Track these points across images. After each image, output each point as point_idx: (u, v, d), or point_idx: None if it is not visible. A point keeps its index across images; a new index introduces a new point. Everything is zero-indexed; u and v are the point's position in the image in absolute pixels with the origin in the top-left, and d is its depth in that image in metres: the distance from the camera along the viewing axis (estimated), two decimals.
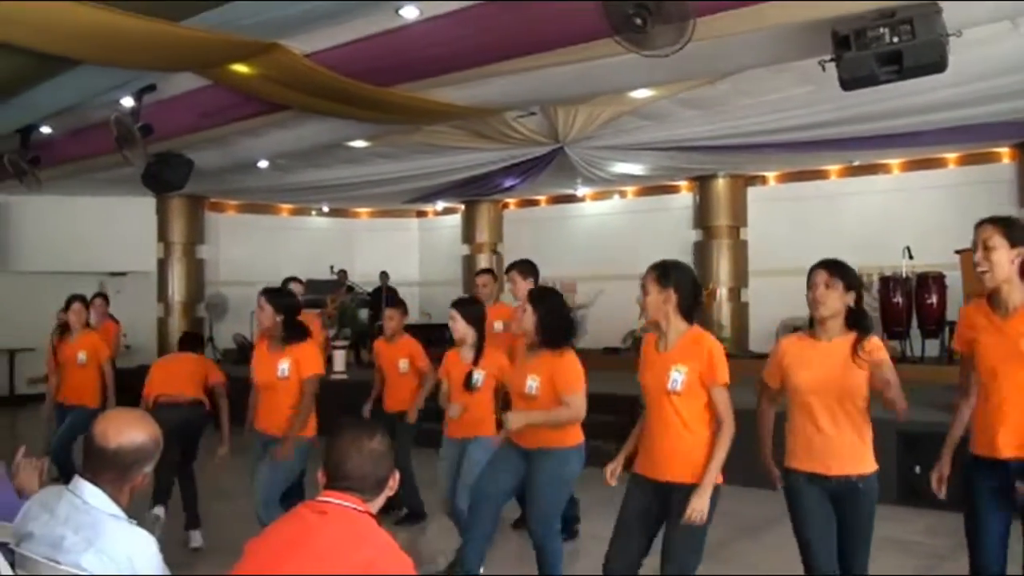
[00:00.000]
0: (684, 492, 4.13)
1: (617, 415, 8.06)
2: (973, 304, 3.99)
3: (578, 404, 4.96)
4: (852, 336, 4.04)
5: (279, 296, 6.20)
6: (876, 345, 4.00)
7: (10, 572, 2.74)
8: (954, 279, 9.79)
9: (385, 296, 16.13)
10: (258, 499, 5.71)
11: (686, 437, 4.20)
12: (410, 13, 6.99)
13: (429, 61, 7.68)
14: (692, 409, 4.21)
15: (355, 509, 2.58)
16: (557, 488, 5.14)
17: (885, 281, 11.84)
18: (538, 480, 5.09)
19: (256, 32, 7.11)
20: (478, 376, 5.92)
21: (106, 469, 2.71)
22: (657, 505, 4.26)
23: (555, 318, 5.07)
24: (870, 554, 4.16)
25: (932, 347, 11.68)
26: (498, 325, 7.10)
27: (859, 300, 4.10)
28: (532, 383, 5.00)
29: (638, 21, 6.03)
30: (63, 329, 8.28)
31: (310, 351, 6.10)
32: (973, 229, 3.83)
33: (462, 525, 5.83)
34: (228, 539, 5.56)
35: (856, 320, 4.07)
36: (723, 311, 14.41)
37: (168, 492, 6.90)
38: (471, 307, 6.14)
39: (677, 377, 4.19)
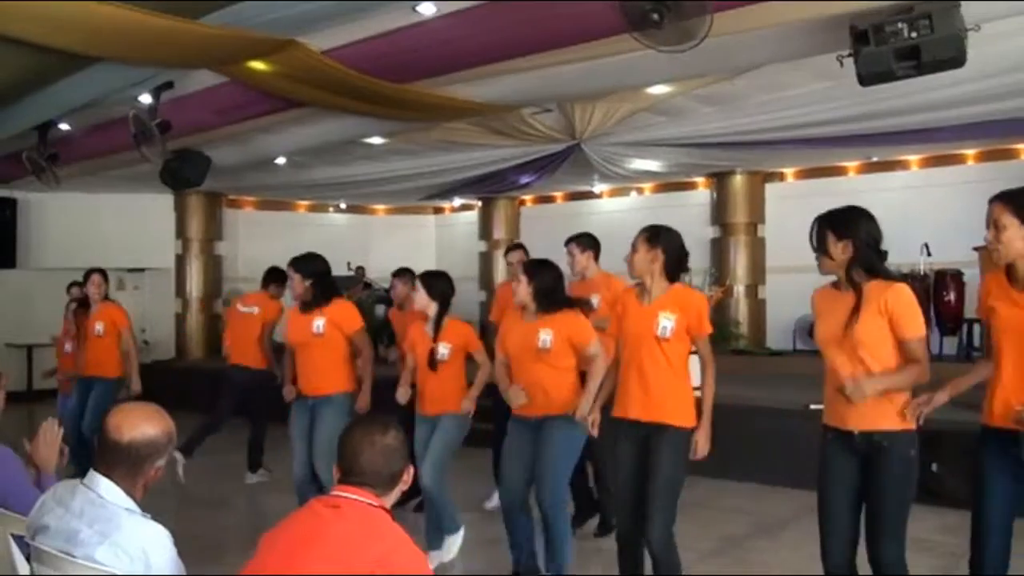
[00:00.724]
0: (672, 432, 4.44)
1: None
2: (993, 273, 4.04)
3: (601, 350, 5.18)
4: None
5: (305, 263, 6.36)
6: None
7: (26, 565, 2.76)
8: (972, 276, 9.73)
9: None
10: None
11: (673, 380, 4.54)
12: (427, 10, 6.98)
13: (446, 58, 7.68)
14: (677, 354, 4.58)
15: (369, 504, 2.58)
16: (569, 456, 5.28)
17: (903, 278, 11.74)
18: (548, 450, 5.19)
19: (273, 29, 7.12)
20: (444, 351, 5.98)
21: (119, 463, 2.72)
22: (644, 450, 4.50)
23: (550, 288, 5.26)
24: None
25: (950, 345, 11.61)
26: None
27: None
28: (545, 337, 5.15)
29: (655, 17, 6.01)
30: (82, 304, 8.68)
31: (345, 308, 6.33)
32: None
33: (428, 503, 6.03)
34: None
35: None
36: (740, 308, 14.35)
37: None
38: (438, 280, 6.19)
39: (666, 324, 4.53)
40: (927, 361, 4.03)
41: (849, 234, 4.08)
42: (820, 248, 4.17)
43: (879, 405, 3.95)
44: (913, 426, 3.99)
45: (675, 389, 4.58)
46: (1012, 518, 3.93)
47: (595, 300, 6.39)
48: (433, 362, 5.95)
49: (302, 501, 6.20)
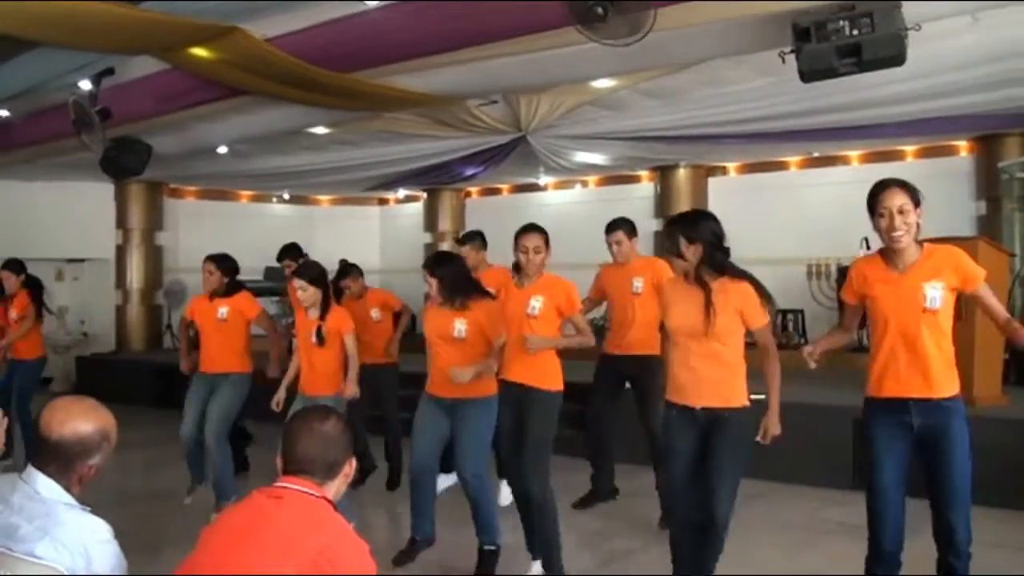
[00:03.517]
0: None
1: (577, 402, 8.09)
2: (865, 261, 4.41)
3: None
4: None
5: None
6: None
7: None
8: None
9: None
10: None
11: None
12: None
13: (389, 48, 7.65)
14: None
15: (311, 494, 2.57)
16: (487, 434, 5.48)
17: (843, 271, 11.93)
18: (468, 430, 5.44)
19: (216, 15, 7.06)
20: (325, 329, 6.33)
21: (50, 460, 2.69)
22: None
23: (456, 279, 5.50)
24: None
25: None
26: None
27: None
28: (460, 327, 5.42)
29: (599, 11, 6.05)
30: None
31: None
32: (879, 194, 4.31)
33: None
34: None
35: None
36: None
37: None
38: (313, 270, 6.51)
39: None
40: (773, 344, 4.58)
41: (698, 237, 4.45)
42: (673, 251, 4.54)
43: (723, 385, 4.48)
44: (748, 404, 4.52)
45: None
46: (906, 489, 4.22)
47: (639, 283, 6.83)
48: (320, 337, 6.34)
49: (188, 457, 7.16)
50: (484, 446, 5.49)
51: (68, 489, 2.67)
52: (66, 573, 2.51)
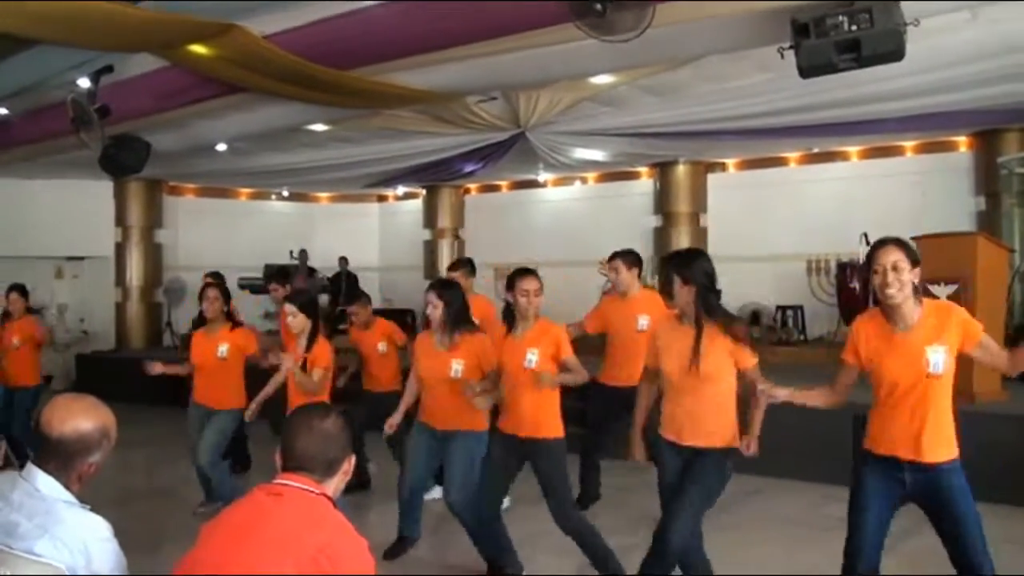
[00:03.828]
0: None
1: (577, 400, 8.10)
2: (867, 317, 4.29)
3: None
4: None
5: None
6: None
7: None
8: None
9: (345, 282, 16.11)
10: None
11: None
12: None
13: (388, 44, 7.64)
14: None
15: (310, 491, 2.57)
16: (475, 464, 5.56)
17: (842, 267, 11.96)
18: (458, 460, 5.57)
19: (215, 13, 7.05)
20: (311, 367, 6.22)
21: (50, 457, 2.68)
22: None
23: (461, 309, 5.63)
24: None
25: None
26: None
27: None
28: (457, 367, 5.54)
29: (598, 7, 6.04)
30: (5, 316, 8.91)
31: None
32: (875, 251, 4.10)
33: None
34: None
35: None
36: None
37: None
38: (304, 297, 6.53)
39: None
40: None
41: (692, 278, 4.47)
42: (667, 290, 4.58)
43: (711, 425, 4.57)
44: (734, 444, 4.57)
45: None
46: (885, 535, 4.29)
47: (644, 321, 6.65)
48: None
49: (200, 479, 7.08)
50: (471, 476, 5.53)
51: (68, 487, 2.67)
52: (65, 571, 2.51)
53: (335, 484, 2.69)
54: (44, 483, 2.65)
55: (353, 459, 2.76)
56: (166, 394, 11.95)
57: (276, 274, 8.63)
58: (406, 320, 14.76)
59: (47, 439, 2.69)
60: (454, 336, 5.55)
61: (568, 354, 5.29)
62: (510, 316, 5.40)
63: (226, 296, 7.28)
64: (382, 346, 7.94)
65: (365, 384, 8.04)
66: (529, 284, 5.30)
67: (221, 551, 2.45)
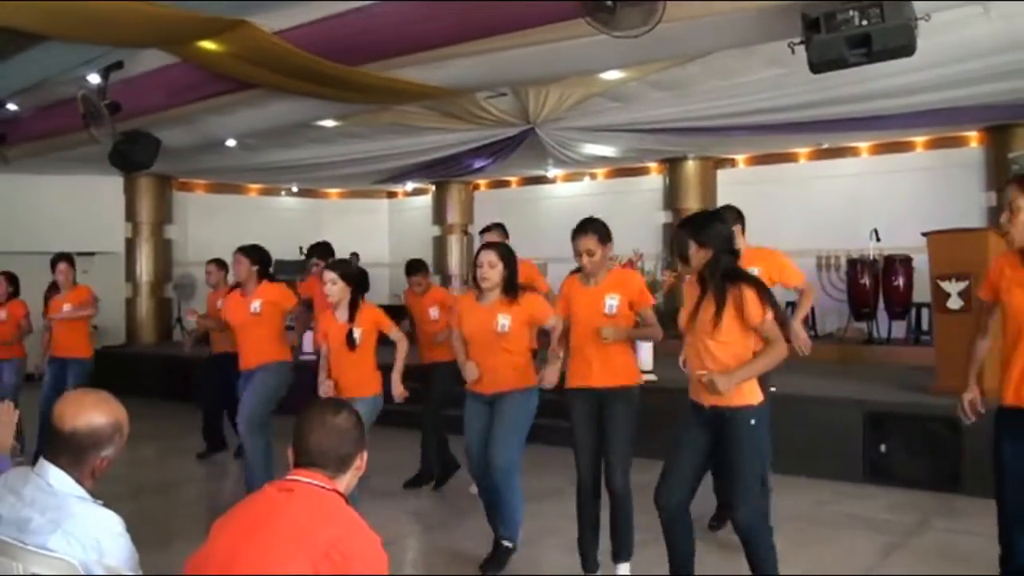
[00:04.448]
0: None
1: None
2: (1004, 255, 4.19)
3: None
4: None
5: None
6: None
7: None
8: (921, 262, 9.86)
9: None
10: None
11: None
12: None
13: (398, 40, 7.64)
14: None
15: (322, 487, 2.57)
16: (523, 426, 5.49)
17: (853, 263, 11.92)
18: (502, 421, 5.43)
19: (224, 9, 7.06)
20: (358, 332, 6.12)
21: (62, 451, 2.68)
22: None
23: (514, 269, 5.56)
24: None
25: (899, 329, 11.77)
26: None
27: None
28: (504, 320, 5.44)
29: (608, 2, 6.03)
30: (53, 288, 9.19)
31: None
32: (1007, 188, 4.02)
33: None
34: None
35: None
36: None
37: None
38: (346, 267, 6.47)
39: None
40: (777, 337, 4.38)
41: (708, 241, 4.40)
42: (681, 253, 4.48)
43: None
44: (755, 401, 4.40)
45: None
46: None
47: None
48: (351, 341, 6.13)
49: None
50: (518, 436, 5.47)
51: (80, 482, 2.68)
52: (78, 566, 2.51)
53: (347, 480, 2.68)
54: (56, 478, 2.65)
55: (366, 455, 2.75)
56: (177, 389, 11.97)
57: (317, 247, 8.46)
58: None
59: (60, 433, 2.69)
60: (509, 294, 5.48)
61: (648, 304, 5.20)
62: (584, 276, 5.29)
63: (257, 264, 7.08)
64: (434, 311, 7.85)
65: (422, 357, 7.90)
66: (582, 245, 5.17)
67: (232, 546, 2.45)
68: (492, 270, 5.46)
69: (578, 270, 5.27)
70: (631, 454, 5.15)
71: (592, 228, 5.26)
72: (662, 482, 4.52)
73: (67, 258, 9.12)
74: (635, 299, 5.18)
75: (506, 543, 5.54)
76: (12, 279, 9.19)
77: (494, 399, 5.49)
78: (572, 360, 5.26)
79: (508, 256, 5.55)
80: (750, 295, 4.34)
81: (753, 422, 4.36)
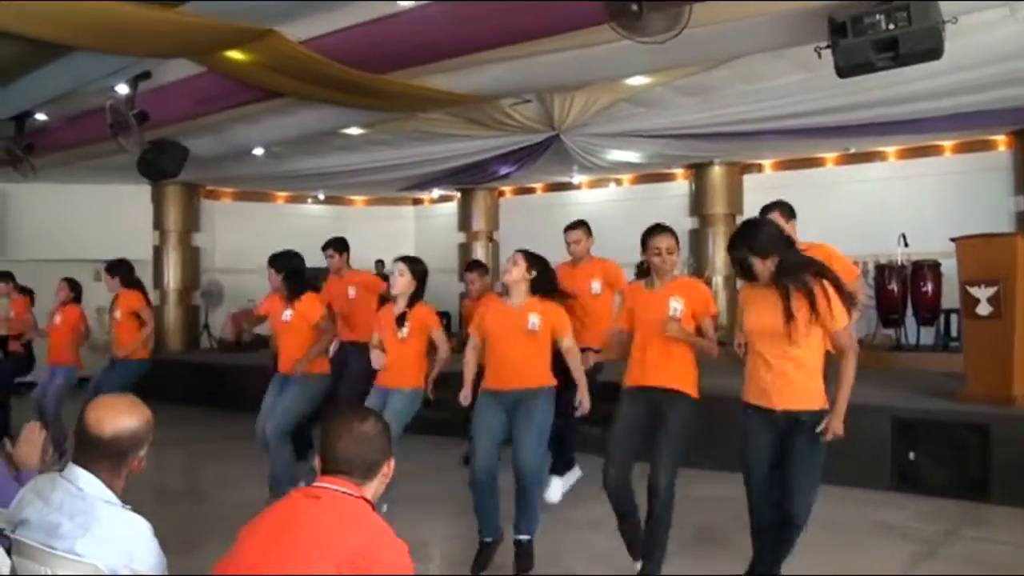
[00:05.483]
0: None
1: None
2: None
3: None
4: None
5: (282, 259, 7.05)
6: None
7: (7, 558, 2.74)
8: (950, 267, 9.79)
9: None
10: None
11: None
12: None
13: (424, 48, 7.66)
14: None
15: (349, 494, 2.58)
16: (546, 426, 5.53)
17: (881, 269, 11.83)
18: (527, 422, 5.46)
19: (251, 18, 7.10)
20: (407, 324, 6.35)
21: (102, 457, 2.71)
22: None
23: (544, 278, 5.68)
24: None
25: (927, 335, 11.68)
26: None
27: None
28: (534, 320, 5.52)
29: (634, 7, 6.02)
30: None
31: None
32: None
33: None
34: None
35: None
36: (719, 299, 14.35)
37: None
38: (417, 264, 6.70)
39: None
40: (851, 346, 4.47)
41: (770, 249, 4.40)
42: (746, 274, 4.50)
43: (804, 390, 4.51)
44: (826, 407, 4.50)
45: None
46: None
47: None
48: (402, 322, 6.39)
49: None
50: (544, 436, 5.50)
51: (111, 486, 2.70)
52: (106, 571, 2.53)
53: (375, 487, 2.69)
54: (86, 481, 2.67)
55: (392, 462, 2.76)
56: (202, 395, 12.02)
57: (333, 240, 8.42)
58: (442, 321, 14.74)
59: (98, 439, 2.71)
60: (538, 294, 5.58)
61: (709, 315, 5.20)
62: (645, 276, 5.34)
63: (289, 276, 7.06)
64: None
65: None
66: (661, 242, 5.12)
67: (259, 552, 2.46)
68: (515, 267, 5.57)
69: (640, 276, 5.29)
70: (679, 463, 5.10)
71: (669, 229, 5.27)
72: (758, 500, 4.65)
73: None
74: (698, 308, 5.17)
75: (524, 537, 5.57)
76: (74, 285, 9.43)
77: (514, 398, 5.51)
78: (631, 363, 5.27)
79: (536, 259, 5.65)
80: (835, 297, 4.35)
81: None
